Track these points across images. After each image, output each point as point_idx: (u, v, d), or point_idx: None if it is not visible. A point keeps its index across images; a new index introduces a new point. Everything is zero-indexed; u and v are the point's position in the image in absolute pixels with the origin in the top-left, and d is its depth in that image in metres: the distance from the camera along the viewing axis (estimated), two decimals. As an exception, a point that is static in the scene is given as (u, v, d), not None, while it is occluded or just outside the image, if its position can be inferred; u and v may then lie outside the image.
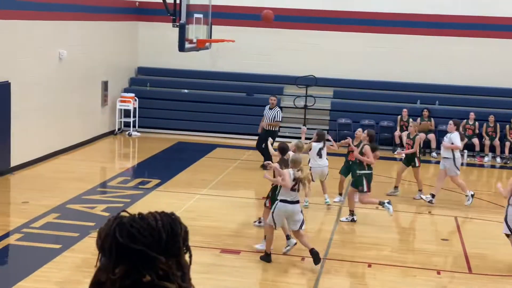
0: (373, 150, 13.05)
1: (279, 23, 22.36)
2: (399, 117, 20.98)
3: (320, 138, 14.06)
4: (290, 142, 12.42)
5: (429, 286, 10.54)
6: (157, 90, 22.78)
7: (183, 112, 22.08)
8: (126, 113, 21.84)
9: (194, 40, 15.71)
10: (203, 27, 16.69)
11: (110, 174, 16.91)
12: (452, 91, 21.93)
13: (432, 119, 20.93)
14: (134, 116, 21.79)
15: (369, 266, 11.07)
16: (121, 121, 21.95)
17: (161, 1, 15.62)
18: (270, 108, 17.53)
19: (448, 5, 21.75)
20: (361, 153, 12.99)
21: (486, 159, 20.36)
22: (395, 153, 19.13)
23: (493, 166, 20.14)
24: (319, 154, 13.97)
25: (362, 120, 21.17)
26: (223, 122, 21.82)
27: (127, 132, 21.73)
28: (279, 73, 22.55)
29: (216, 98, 22.11)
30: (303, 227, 10.94)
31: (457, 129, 15.04)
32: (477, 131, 20.70)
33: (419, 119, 20.86)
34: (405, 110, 20.88)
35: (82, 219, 12.36)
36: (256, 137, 18.03)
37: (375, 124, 21.27)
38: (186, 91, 22.62)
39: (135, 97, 21.84)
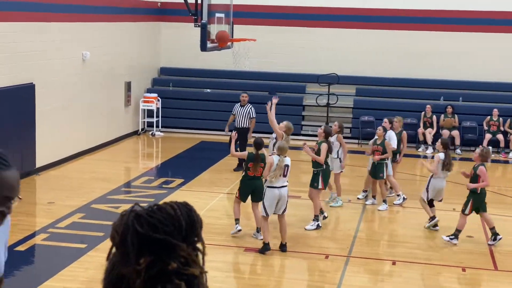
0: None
1: (300, 21, 22.37)
2: (422, 113, 20.87)
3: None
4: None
5: (454, 283, 10.49)
6: (179, 90, 22.86)
7: (205, 112, 22.13)
8: (149, 113, 21.95)
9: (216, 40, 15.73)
10: (225, 26, 16.71)
11: (134, 174, 17.01)
12: (475, 87, 21.78)
13: (456, 115, 20.81)
14: (157, 116, 21.90)
15: (394, 263, 11.04)
16: (144, 121, 22.07)
17: (183, 1, 15.68)
18: (242, 106, 17.12)
19: (471, 1, 21.58)
20: (319, 150, 12.71)
21: (511, 155, 20.20)
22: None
23: (518, 162, 19.97)
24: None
25: (385, 117, 21.02)
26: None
27: (150, 132, 21.84)
28: (301, 71, 22.54)
29: (238, 97, 22.05)
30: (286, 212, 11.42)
31: (391, 127, 14.70)
32: (501, 127, 20.55)
33: (442, 115, 20.76)
34: (428, 106, 20.77)
35: (107, 219, 12.43)
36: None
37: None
38: (208, 90, 22.68)
39: (158, 97, 21.95)
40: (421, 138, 20.54)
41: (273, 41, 22.28)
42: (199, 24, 14.83)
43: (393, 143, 14.38)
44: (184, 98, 22.49)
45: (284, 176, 11.25)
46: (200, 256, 1.90)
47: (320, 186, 12.61)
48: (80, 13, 17.83)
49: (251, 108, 17.10)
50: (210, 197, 14.59)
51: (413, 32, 21.88)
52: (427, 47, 21.80)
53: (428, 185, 12.73)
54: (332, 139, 13.46)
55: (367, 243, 12.12)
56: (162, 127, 22.07)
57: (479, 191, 11.84)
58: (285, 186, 11.28)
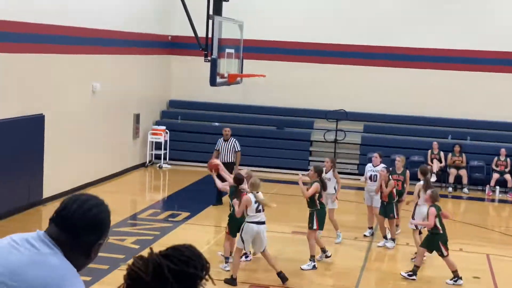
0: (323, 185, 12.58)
1: (310, 57, 22.49)
2: (429, 151, 20.85)
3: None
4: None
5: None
6: (188, 123, 22.94)
7: (213, 145, 22.06)
8: (157, 145, 22.01)
9: (226, 75, 15.83)
10: (235, 61, 16.82)
11: (141, 206, 16.99)
12: (484, 127, 21.77)
13: (463, 154, 20.75)
14: (165, 149, 21.95)
15: (399, 303, 10.95)
16: (152, 154, 22.11)
17: (194, 35, 15.81)
18: (225, 140, 16.93)
19: (480, 41, 21.65)
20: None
21: (519, 195, 20.11)
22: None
23: (526, 203, 19.86)
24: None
25: (392, 154, 20.99)
26: (253, 156, 21.80)
27: (157, 165, 21.87)
28: (310, 107, 22.59)
29: (247, 132, 22.13)
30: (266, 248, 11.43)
31: (382, 162, 14.74)
32: (508, 167, 20.47)
33: (450, 154, 20.72)
34: (435, 142, 20.75)
35: (112, 251, 12.38)
36: (289, 170, 17.90)
37: (405, 159, 21.09)
38: (216, 124, 22.73)
39: (166, 130, 22.02)
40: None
41: (282, 76, 22.37)
42: (209, 59, 14.93)
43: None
44: (192, 131, 22.54)
45: (262, 211, 11.26)
46: None
47: (314, 227, 12.35)
48: (91, 45, 17.97)
49: (235, 141, 16.98)
50: (216, 231, 14.55)
51: (422, 70, 21.95)
52: (436, 85, 21.84)
53: (413, 214, 12.81)
54: (328, 175, 13.47)
55: (373, 282, 12.03)
56: (169, 159, 22.11)
57: (441, 231, 11.77)
58: (264, 222, 11.29)
